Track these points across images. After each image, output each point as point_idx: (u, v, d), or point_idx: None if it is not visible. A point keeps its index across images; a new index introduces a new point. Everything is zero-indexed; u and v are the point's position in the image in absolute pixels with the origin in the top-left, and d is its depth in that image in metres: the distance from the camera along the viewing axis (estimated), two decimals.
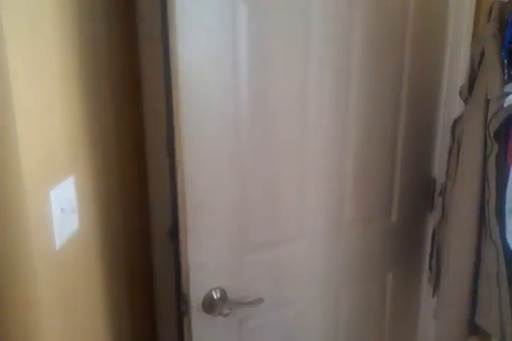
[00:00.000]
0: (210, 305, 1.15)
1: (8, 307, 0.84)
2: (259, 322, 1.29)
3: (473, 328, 1.26)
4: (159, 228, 1.49)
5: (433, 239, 1.40)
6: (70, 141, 0.97)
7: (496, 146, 1.14)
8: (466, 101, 1.24)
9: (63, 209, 0.93)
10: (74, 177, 0.98)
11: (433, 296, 1.39)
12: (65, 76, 0.95)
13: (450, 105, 1.42)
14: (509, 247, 1.14)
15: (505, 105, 1.12)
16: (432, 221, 1.51)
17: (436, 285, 1.36)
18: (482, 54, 1.16)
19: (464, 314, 1.24)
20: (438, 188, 1.48)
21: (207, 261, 1.14)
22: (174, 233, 1.49)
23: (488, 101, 1.14)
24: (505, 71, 1.13)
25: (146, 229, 1.48)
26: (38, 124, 0.86)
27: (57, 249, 0.92)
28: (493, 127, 1.14)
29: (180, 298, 1.18)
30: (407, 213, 1.47)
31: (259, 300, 1.21)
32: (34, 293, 0.85)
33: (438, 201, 1.40)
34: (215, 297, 1.16)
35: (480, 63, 1.17)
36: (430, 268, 1.42)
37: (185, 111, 1.02)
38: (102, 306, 1.16)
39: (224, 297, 1.16)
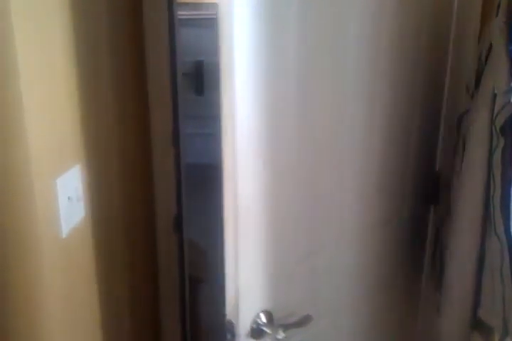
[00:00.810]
0: (258, 331, 1.05)
1: (13, 294, 0.85)
2: (299, 339, 1.18)
3: (477, 322, 1.26)
4: (164, 218, 1.49)
5: (437, 234, 1.40)
6: (76, 129, 0.98)
7: (501, 141, 1.14)
8: (472, 95, 1.24)
9: (70, 197, 0.94)
10: (80, 165, 0.99)
11: (436, 290, 1.40)
12: (71, 65, 0.96)
13: (456, 99, 1.42)
14: None
15: None
16: (435, 215, 1.51)
17: (439, 279, 1.37)
18: (489, 48, 1.16)
19: (468, 308, 1.24)
20: (442, 183, 1.48)
21: (254, 282, 1.03)
22: (179, 223, 1.49)
23: (494, 96, 1.14)
24: None
25: (150, 218, 1.48)
26: (45, 113, 0.86)
27: (63, 237, 0.92)
28: (499, 122, 1.13)
29: (225, 327, 1.06)
30: (416, 209, 1.47)
31: (307, 318, 1.10)
32: (40, 280, 0.86)
33: (442, 196, 1.40)
34: (261, 321, 1.06)
35: (487, 57, 1.16)
36: (434, 262, 1.42)
37: (239, 111, 0.95)
38: (105, 295, 1.17)
39: (271, 319, 1.07)
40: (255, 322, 1.05)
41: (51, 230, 0.88)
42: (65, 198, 0.92)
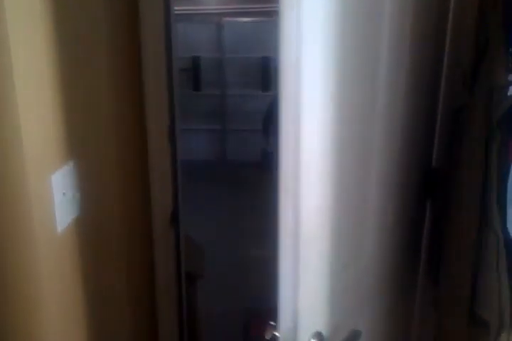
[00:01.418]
0: None
1: (9, 288, 0.85)
2: None
3: (473, 317, 1.26)
4: (160, 214, 1.49)
5: (434, 228, 1.40)
6: (71, 126, 0.97)
7: (498, 136, 1.13)
8: (469, 90, 1.24)
9: (65, 193, 0.93)
10: (75, 162, 0.98)
11: (433, 284, 1.40)
12: (66, 63, 0.95)
13: (452, 94, 1.41)
14: (509, 236, 1.14)
15: (509, 93, 1.11)
16: (432, 211, 1.51)
17: (436, 275, 1.37)
18: (486, 42, 1.15)
19: (464, 303, 1.24)
20: (439, 179, 1.47)
21: (311, 302, 0.92)
22: (175, 219, 1.49)
23: (491, 91, 1.14)
24: (510, 59, 1.13)
25: (147, 214, 1.48)
26: (40, 109, 0.86)
27: (58, 233, 0.92)
28: (496, 117, 1.13)
29: None
30: (414, 205, 1.47)
31: (357, 333, 1.01)
32: (35, 275, 0.86)
33: (439, 192, 1.40)
34: None
35: (485, 51, 1.16)
36: (430, 258, 1.42)
37: (306, 114, 0.82)
38: (101, 291, 1.17)
39: (322, 340, 0.95)
40: None
41: (46, 226, 0.88)
42: (60, 194, 0.92)
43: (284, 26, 0.77)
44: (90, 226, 1.07)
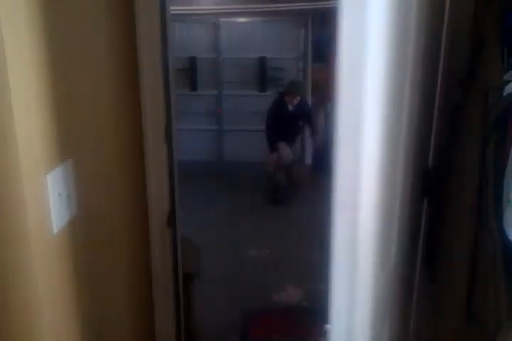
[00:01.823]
0: None
1: (5, 291, 0.84)
2: None
3: (470, 316, 1.26)
4: (157, 214, 1.49)
5: (431, 227, 1.40)
6: (67, 125, 0.97)
7: (494, 136, 1.14)
8: (465, 89, 1.24)
9: (60, 193, 0.93)
10: (71, 162, 0.98)
11: (430, 283, 1.40)
12: (62, 63, 0.95)
13: (449, 93, 1.42)
14: (505, 235, 1.14)
15: (505, 94, 1.11)
16: (429, 210, 1.51)
17: (433, 275, 1.37)
18: (483, 41, 1.15)
19: (461, 302, 1.24)
20: (435, 177, 1.47)
21: (361, 317, 0.87)
22: (172, 218, 1.49)
23: (488, 90, 1.14)
24: (506, 59, 1.13)
25: (144, 214, 1.48)
26: (35, 109, 0.85)
27: (54, 234, 0.92)
28: (492, 117, 1.13)
29: None
30: (411, 204, 1.46)
31: None
32: (30, 278, 0.86)
33: (436, 190, 1.40)
34: None
35: (481, 51, 1.16)
36: (428, 255, 1.42)
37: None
38: (97, 292, 1.16)
39: None
40: None
41: (42, 227, 0.88)
42: (56, 194, 0.91)
43: (346, 26, 0.71)
44: (86, 227, 1.07)
